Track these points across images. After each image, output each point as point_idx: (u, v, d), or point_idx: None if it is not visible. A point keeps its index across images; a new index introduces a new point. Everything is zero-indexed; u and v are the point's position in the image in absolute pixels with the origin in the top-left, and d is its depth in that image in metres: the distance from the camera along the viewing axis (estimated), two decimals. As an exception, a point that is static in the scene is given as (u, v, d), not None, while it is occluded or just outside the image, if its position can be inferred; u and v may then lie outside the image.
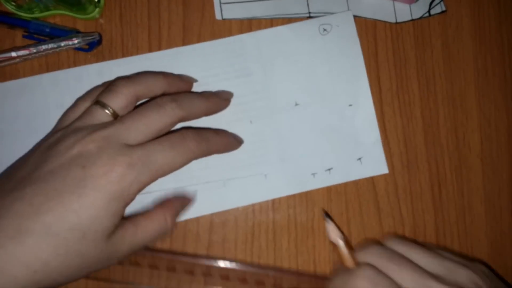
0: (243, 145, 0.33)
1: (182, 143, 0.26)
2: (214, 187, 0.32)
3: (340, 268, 0.28)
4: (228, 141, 0.31)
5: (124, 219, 0.26)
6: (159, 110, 0.26)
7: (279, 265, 0.32)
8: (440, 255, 0.28)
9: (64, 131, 0.26)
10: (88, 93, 0.29)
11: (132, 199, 0.25)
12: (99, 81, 0.32)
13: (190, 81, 0.32)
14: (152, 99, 0.28)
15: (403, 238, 0.29)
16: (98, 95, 0.27)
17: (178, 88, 0.31)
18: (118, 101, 0.26)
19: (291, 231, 0.33)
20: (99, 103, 0.26)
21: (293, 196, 0.33)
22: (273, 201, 0.33)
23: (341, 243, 0.28)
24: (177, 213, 0.29)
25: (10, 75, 0.33)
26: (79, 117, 0.27)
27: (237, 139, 0.32)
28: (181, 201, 0.30)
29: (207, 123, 0.32)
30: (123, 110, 0.27)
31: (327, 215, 0.30)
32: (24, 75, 0.33)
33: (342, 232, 0.29)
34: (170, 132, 0.27)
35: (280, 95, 0.33)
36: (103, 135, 0.24)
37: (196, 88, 0.33)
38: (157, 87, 0.29)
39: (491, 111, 0.35)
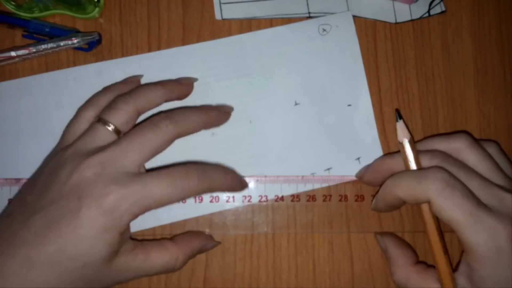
0: (242, 145, 0.33)
1: (183, 180, 0.26)
2: (214, 187, 0.32)
3: (405, 171, 0.28)
4: (233, 184, 0.30)
5: (137, 246, 0.27)
6: (154, 129, 0.26)
7: (278, 265, 0.32)
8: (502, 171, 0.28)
9: (66, 153, 0.26)
10: (89, 102, 0.29)
11: (125, 228, 0.25)
12: (98, 81, 0.32)
13: (189, 83, 0.32)
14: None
15: (470, 145, 0.28)
16: (100, 112, 0.28)
17: (178, 93, 0.31)
18: (118, 117, 0.27)
19: (291, 231, 0.33)
20: (100, 120, 0.27)
21: (292, 195, 0.33)
22: (272, 201, 0.33)
23: (407, 144, 0.28)
24: (192, 254, 0.29)
25: (9, 74, 0.33)
26: (82, 136, 0.27)
27: (242, 183, 0.31)
28: (203, 244, 0.30)
29: (206, 123, 0.33)
30: (124, 126, 0.27)
31: (399, 114, 0.30)
32: (24, 75, 0.33)
33: (411, 133, 0.29)
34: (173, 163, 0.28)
35: (279, 95, 0.33)
36: (99, 160, 0.25)
37: (196, 88, 0.33)
38: (156, 98, 0.29)
39: (490, 111, 0.35)
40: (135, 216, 0.25)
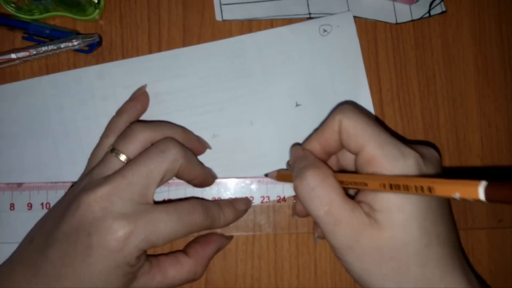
0: (243, 146, 0.33)
1: (189, 217, 0.26)
2: (215, 188, 0.32)
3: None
4: (235, 219, 0.30)
5: (153, 267, 0.27)
6: (160, 156, 0.26)
7: (280, 266, 0.32)
8: None
9: (81, 184, 0.27)
10: (107, 128, 0.30)
11: (137, 261, 0.25)
12: (99, 83, 0.32)
13: (205, 145, 0.32)
14: None
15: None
16: (115, 141, 0.28)
17: (193, 147, 0.30)
18: (131, 147, 0.27)
19: (292, 232, 0.33)
20: (113, 150, 0.27)
21: (294, 196, 0.33)
22: (274, 201, 0.33)
23: (277, 175, 0.31)
24: (209, 261, 0.30)
25: (10, 76, 0.33)
26: (96, 166, 0.27)
27: (239, 215, 0.31)
28: (216, 247, 0.30)
29: (207, 123, 0.32)
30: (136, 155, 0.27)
31: (266, 175, 0.32)
32: (24, 77, 0.33)
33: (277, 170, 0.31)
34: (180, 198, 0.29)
35: (280, 95, 0.33)
36: (107, 193, 0.25)
37: (197, 89, 0.33)
38: (174, 137, 0.28)
39: (491, 111, 0.35)
40: (143, 252, 0.25)
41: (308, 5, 0.34)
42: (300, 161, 0.26)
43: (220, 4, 0.34)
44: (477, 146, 0.34)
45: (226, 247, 0.32)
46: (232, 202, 0.30)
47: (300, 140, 0.33)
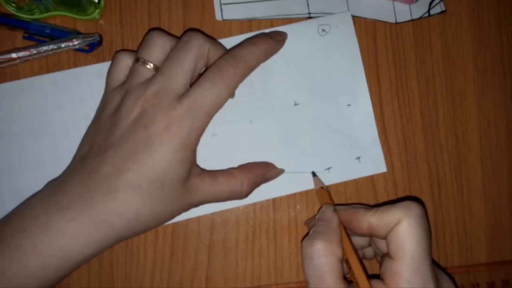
0: (243, 145, 0.33)
1: (220, 76, 0.27)
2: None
3: None
4: (267, 49, 0.31)
5: (204, 171, 0.29)
6: (186, 46, 0.28)
7: (280, 264, 0.33)
8: None
9: (120, 94, 0.28)
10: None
11: (196, 144, 0.27)
12: (98, 82, 0.32)
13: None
14: None
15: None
16: (137, 52, 0.29)
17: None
18: (155, 54, 0.28)
19: (292, 230, 0.33)
20: (139, 60, 0.28)
21: (294, 195, 0.33)
22: (274, 200, 0.33)
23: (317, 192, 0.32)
24: (256, 181, 0.31)
25: (10, 76, 0.33)
26: (128, 78, 0.29)
27: (276, 40, 0.31)
28: (265, 170, 0.31)
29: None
30: (162, 61, 0.28)
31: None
32: (25, 76, 0.33)
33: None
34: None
35: (279, 95, 0.33)
36: (152, 92, 0.27)
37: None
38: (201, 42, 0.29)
39: (490, 111, 0.35)
40: (200, 129, 0.27)
41: (308, 4, 0.34)
42: (322, 224, 0.27)
43: (220, 4, 0.34)
44: (476, 145, 0.34)
45: (227, 246, 0.32)
46: (262, 38, 0.31)
47: (299, 139, 0.33)
